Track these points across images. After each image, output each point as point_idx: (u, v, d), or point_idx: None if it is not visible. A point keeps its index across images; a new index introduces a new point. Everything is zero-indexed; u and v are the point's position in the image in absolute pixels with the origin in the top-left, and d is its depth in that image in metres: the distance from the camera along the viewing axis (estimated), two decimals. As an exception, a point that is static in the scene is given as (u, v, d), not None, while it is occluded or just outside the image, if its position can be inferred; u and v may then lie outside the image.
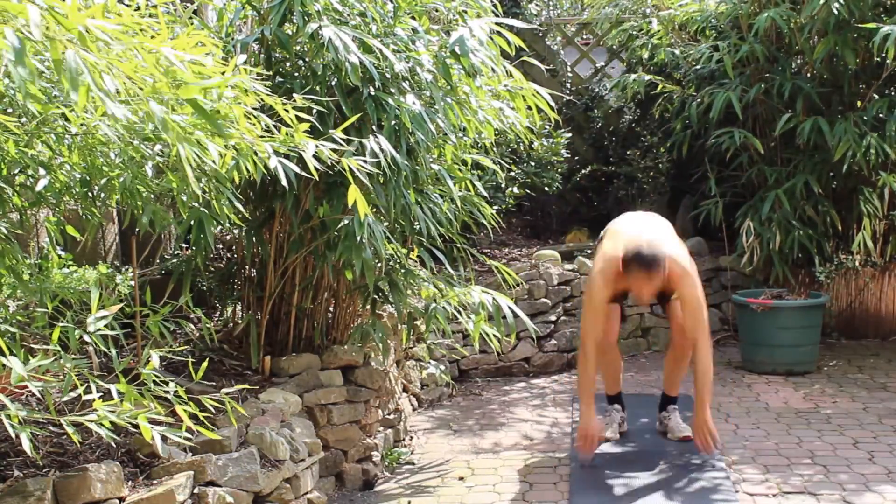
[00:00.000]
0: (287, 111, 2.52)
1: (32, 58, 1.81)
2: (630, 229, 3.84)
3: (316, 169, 2.60)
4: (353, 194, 2.71)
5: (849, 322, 6.03)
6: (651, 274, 3.58)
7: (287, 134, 2.55)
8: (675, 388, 4.18)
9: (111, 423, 2.23)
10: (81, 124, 2.43)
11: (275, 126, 2.54)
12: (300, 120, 2.58)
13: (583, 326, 3.84)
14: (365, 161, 2.90)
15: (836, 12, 5.08)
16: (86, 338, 2.36)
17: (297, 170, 2.62)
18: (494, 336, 3.85)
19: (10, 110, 2.35)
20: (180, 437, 2.35)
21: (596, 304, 3.77)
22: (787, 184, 5.63)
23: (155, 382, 2.37)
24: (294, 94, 2.81)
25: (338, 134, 2.75)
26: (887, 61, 5.25)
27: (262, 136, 2.47)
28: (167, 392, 2.38)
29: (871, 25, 5.01)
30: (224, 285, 3.97)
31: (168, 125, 1.83)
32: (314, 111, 2.89)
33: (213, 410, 2.68)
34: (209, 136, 2.25)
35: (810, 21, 5.32)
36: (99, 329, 2.34)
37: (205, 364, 2.59)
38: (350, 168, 2.72)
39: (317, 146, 2.59)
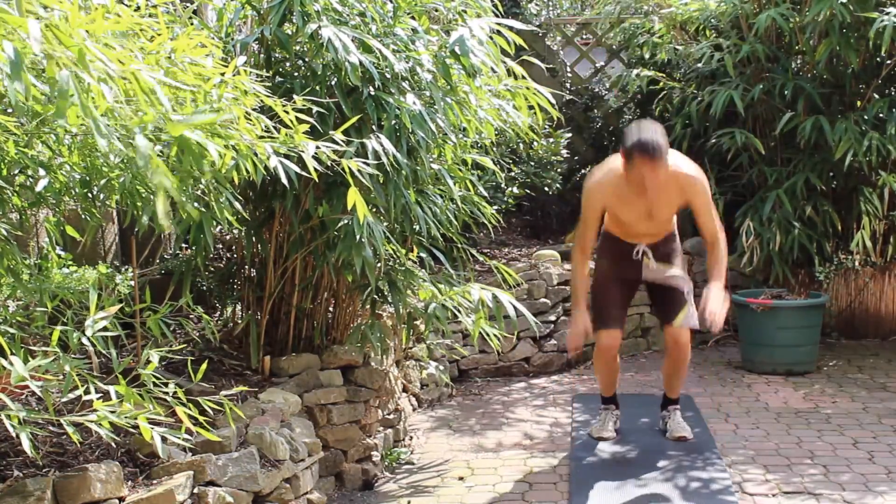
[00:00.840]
0: (287, 112, 2.52)
1: (30, 68, 1.81)
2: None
3: (316, 170, 2.60)
4: (353, 196, 2.71)
5: (849, 322, 6.03)
6: (655, 160, 3.47)
7: (287, 135, 2.55)
8: (676, 391, 4.18)
9: (111, 423, 2.24)
10: (81, 125, 2.42)
11: (275, 127, 2.54)
12: (300, 121, 2.58)
13: (576, 237, 3.89)
14: (366, 163, 2.90)
15: (839, 13, 5.08)
16: (85, 340, 2.36)
17: (298, 170, 2.62)
18: (494, 335, 3.84)
19: (10, 111, 2.35)
20: (180, 437, 2.35)
21: (588, 212, 3.80)
22: (787, 183, 5.63)
23: (154, 384, 2.37)
24: (294, 95, 2.81)
25: (338, 135, 2.75)
26: (887, 61, 5.25)
27: (261, 137, 2.47)
28: (167, 393, 2.38)
29: (873, 15, 4.99)
30: (224, 285, 3.97)
31: (153, 164, 1.82)
32: (314, 111, 2.89)
33: (211, 413, 2.68)
34: (208, 137, 2.25)
35: (812, 22, 5.32)
36: (98, 331, 2.34)
37: (204, 365, 2.59)
38: (350, 169, 2.72)
39: (317, 147, 2.59)
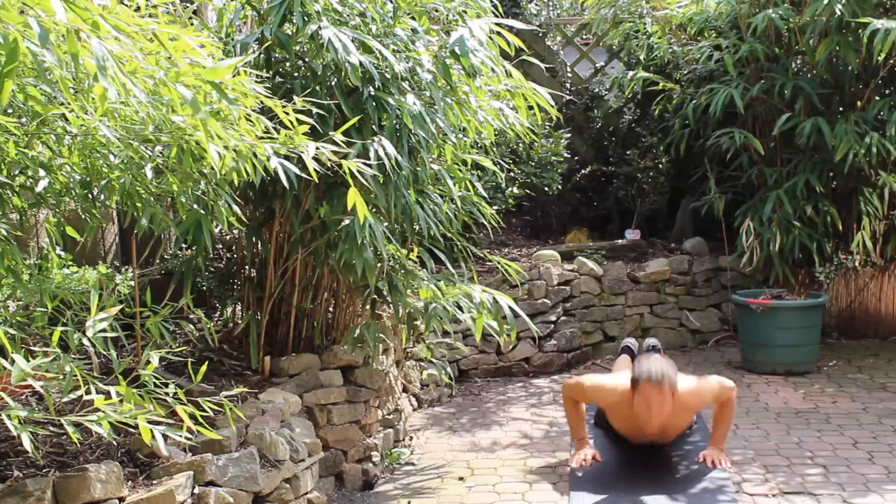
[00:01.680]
0: (287, 114, 2.52)
1: (31, 68, 1.82)
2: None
3: (316, 171, 2.60)
4: (353, 197, 2.71)
5: (848, 322, 6.03)
6: (662, 391, 3.44)
7: (287, 136, 2.55)
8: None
9: (111, 423, 2.23)
10: (81, 125, 2.43)
11: (275, 128, 2.54)
12: (300, 122, 2.57)
13: (574, 387, 3.74)
14: (367, 163, 2.90)
15: (838, 13, 5.08)
16: (85, 341, 2.36)
17: (298, 171, 2.62)
18: (496, 332, 3.84)
19: (10, 111, 2.35)
20: (180, 436, 2.35)
21: (581, 397, 3.73)
22: (786, 184, 5.63)
23: (154, 384, 2.37)
24: (294, 96, 2.80)
25: (338, 136, 2.75)
26: (888, 60, 5.25)
27: (261, 138, 2.47)
28: (167, 394, 2.38)
29: (866, 20, 5.00)
30: (224, 285, 3.97)
31: (197, 103, 1.89)
32: (314, 112, 2.89)
33: (212, 411, 2.68)
34: (209, 138, 2.25)
35: (812, 22, 5.32)
36: (98, 332, 2.34)
37: (204, 367, 2.59)
38: (350, 170, 2.72)
39: (317, 148, 2.59)
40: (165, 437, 2.31)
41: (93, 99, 1.85)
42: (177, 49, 2.07)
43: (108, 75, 1.74)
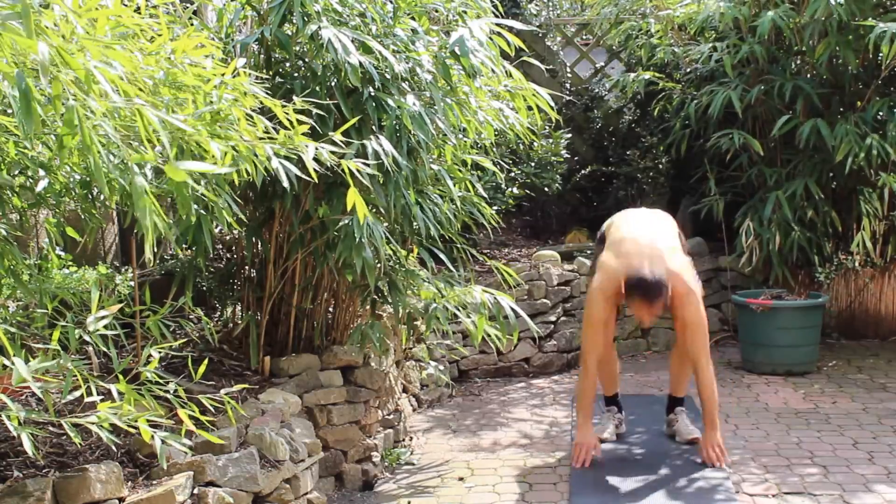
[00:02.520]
0: (286, 114, 2.52)
1: (31, 69, 1.81)
2: (631, 239, 3.73)
3: (315, 171, 2.60)
4: (353, 196, 2.71)
5: (848, 322, 6.03)
6: (654, 302, 3.54)
7: (286, 136, 2.55)
8: (683, 389, 4.18)
9: (111, 424, 2.24)
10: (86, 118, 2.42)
11: (274, 128, 2.54)
12: (300, 122, 2.58)
13: (583, 343, 3.78)
14: (366, 163, 2.90)
15: (836, 14, 5.09)
16: (86, 338, 2.36)
17: (297, 171, 2.62)
18: (497, 336, 3.84)
19: (10, 111, 2.35)
20: (181, 443, 2.35)
21: (595, 321, 3.72)
22: (786, 185, 5.63)
23: (154, 382, 2.37)
24: (294, 96, 2.80)
25: (337, 136, 2.75)
26: (888, 61, 5.25)
27: (261, 138, 2.47)
28: (167, 392, 2.38)
29: (870, 23, 5.01)
30: (224, 286, 3.97)
31: (143, 203, 1.87)
32: (314, 113, 2.89)
33: (213, 411, 2.68)
34: (209, 138, 2.25)
35: (811, 22, 5.32)
36: (98, 329, 2.34)
37: (204, 364, 2.59)
38: (350, 170, 2.72)
39: (316, 149, 2.59)
40: (164, 441, 2.30)
41: (95, 127, 1.86)
42: (177, 49, 2.06)
43: (80, 131, 1.72)
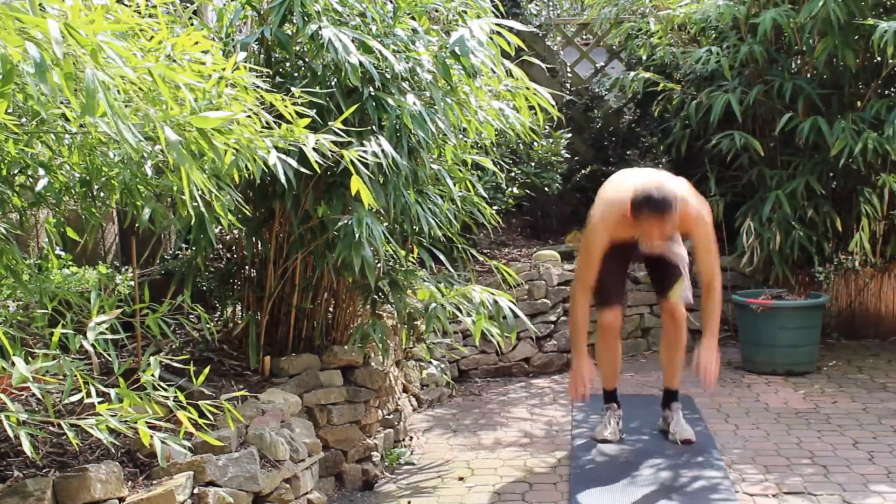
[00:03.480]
0: (286, 107, 2.52)
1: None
2: (633, 175, 3.78)
3: (317, 163, 2.60)
4: (356, 184, 2.71)
5: (849, 322, 6.03)
6: (664, 216, 3.47)
7: (287, 129, 2.54)
8: (676, 379, 4.14)
9: (110, 427, 2.23)
10: (81, 124, 2.43)
11: (275, 122, 2.54)
12: (300, 115, 2.57)
13: (576, 273, 3.80)
14: (365, 161, 2.90)
15: (834, 13, 5.08)
16: (85, 344, 2.36)
17: (297, 166, 2.62)
18: (497, 334, 3.84)
19: (10, 110, 2.35)
20: (181, 444, 2.35)
21: (592, 250, 3.71)
22: (787, 185, 5.63)
23: (154, 387, 2.37)
24: (293, 89, 2.80)
25: (337, 126, 2.75)
26: (889, 60, 5.25)
27: (261, 132, 2.47)
28: (166, 397, 2.38)
29: (870, 22, 5.00)
30: (224, 285, 3.97)
31: (184, 155, 1.87)
32: (314, 112, 2.89)
33: (213, 410, 2.68)
34: (212, 134, 2.25)
35: (810, 21, 5.32)
36: (98, 335, 2.34)
37: (206, 370, 2.59)
38: (352, 160, 2.71)
39: (317, 140, 2.58)
40: (164, 442, 2.30)
41: (114, 97, 1.85)
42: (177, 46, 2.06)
43: (99, 107, 1.72)
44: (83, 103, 1.68)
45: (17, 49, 1.66)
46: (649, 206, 3.48)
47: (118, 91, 1.90)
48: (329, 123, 2.78)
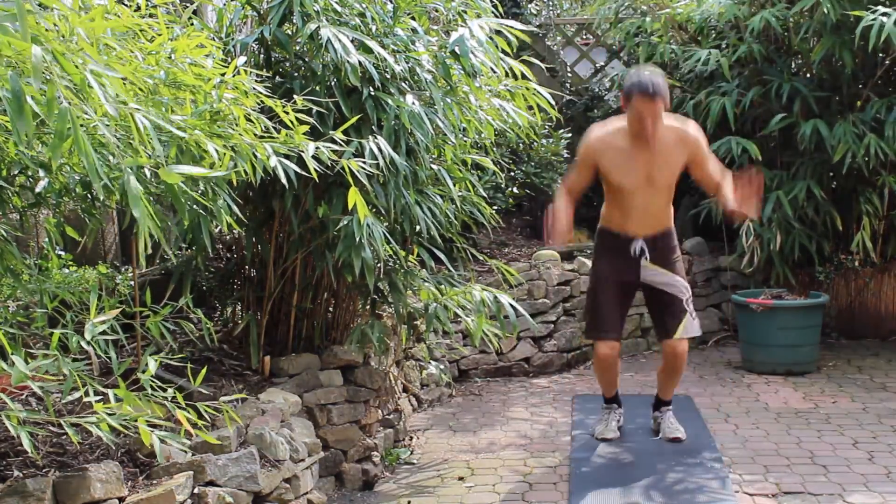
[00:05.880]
0: (287, 113, 2.53)
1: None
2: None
3: (315, 170, 2.60)
4: (353, 196, 2.71)
5: (848, 322, 6.03)
6: (654, 97, 3.60)
7: (287, 135, 2.55)
8: (670, 394, 4.18)
9: (110, 425, 2.23)
10: (81, 125, 2.42)
11: (275, 127, 2.55)
12: (300, 121, 2.58)
13: (564, 176, 3.97)
14: (364, 162, 2.90)
15: (827, 11, 5.08)
16: (84, 344, 2.36)
17: (297, 170, 2.62)
18: (496, 335, 3.84)
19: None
20: (180, 442, 2.35)
21: (579, 161, 3.93)
22: (786, 187, 5.62)
23: (154, 387, 2.37)
24: (294, 95, 2.81)
25: (337, 135, 2.76)
26: (885, 60, 5.24)
27: (261, 137, 2.47)
28: (166, 398, 2.38)
29: (860, 13, 4.97)
30: (224, 285, 3.97)
31: (140, 207, 1.86)
32: (314, 111, 2.89)
33: (213, 411, 2.68)
34: (209, 137, 2.25)
35: (806, 21, 5.32)
36: (97, 335, 2.34)
37: (204, 371, 2.59)
38: (350, 169, 2.72)
39: (316, 147, 2.59)
40: (163, 440, 2.30)
41: (92, 130, 1.86)
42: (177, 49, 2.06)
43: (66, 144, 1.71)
44: (54, 143, 1.68)
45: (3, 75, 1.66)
46: (638, 87, 3.63)
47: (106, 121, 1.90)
48: (330, 133, 2.78)
